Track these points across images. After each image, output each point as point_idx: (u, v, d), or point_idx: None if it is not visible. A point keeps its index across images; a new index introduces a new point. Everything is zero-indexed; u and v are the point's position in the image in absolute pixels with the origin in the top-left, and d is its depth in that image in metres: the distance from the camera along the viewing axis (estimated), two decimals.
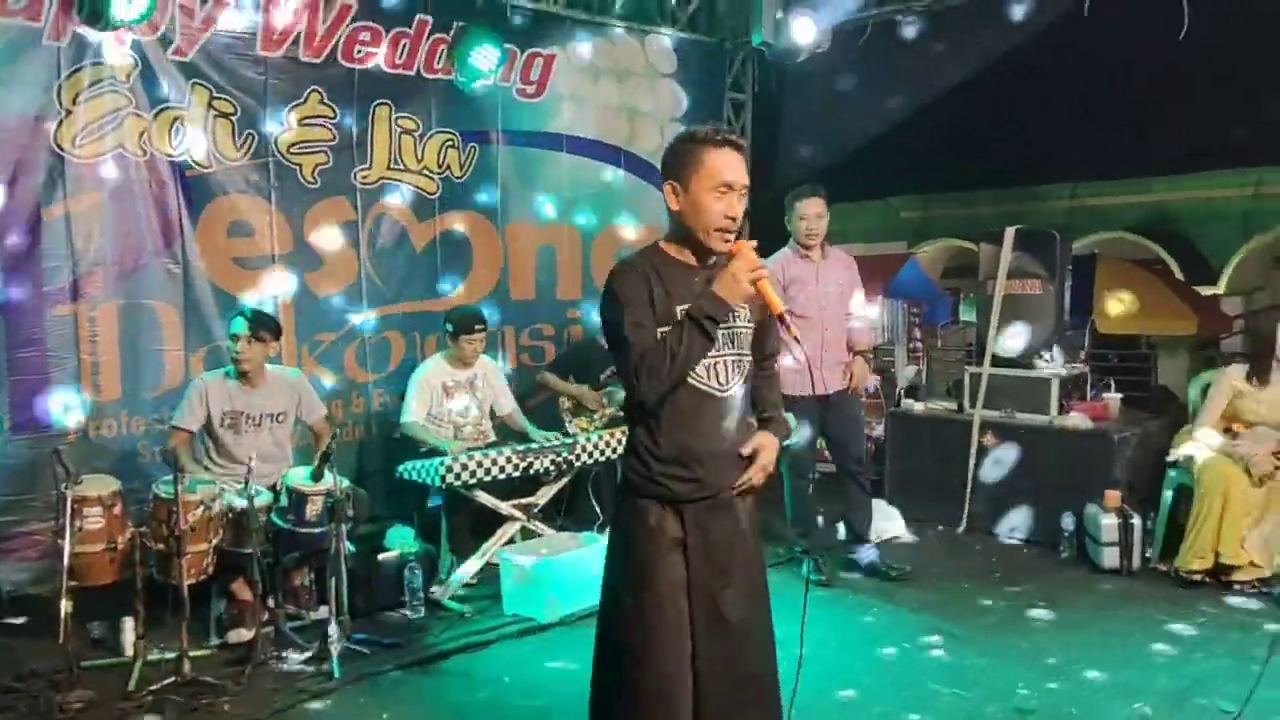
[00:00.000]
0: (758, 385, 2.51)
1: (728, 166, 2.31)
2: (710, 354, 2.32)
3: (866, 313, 5.03)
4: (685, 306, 2.30)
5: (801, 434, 4.72)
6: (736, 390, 2.41)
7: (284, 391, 4.47)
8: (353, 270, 5.44)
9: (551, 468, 4.72)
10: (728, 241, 2.33)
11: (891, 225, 12.15)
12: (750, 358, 2.45)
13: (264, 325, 4.33)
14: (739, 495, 2.41)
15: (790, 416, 4.59)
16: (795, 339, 2.29)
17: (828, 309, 4.73)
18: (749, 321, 2.44)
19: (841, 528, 5.51)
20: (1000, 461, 5.60)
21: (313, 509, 3.94)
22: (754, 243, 2.32)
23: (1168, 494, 5.07)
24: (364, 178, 5.44)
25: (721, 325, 2.30)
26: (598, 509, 5.33)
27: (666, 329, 2.29)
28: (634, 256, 2.40)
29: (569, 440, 4.86)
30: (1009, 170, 10.62)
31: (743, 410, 2.44)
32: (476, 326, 4.97)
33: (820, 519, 5.28)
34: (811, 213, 4.68)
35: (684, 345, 2.24)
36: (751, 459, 2.41)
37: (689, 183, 2.31)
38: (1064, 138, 10.00)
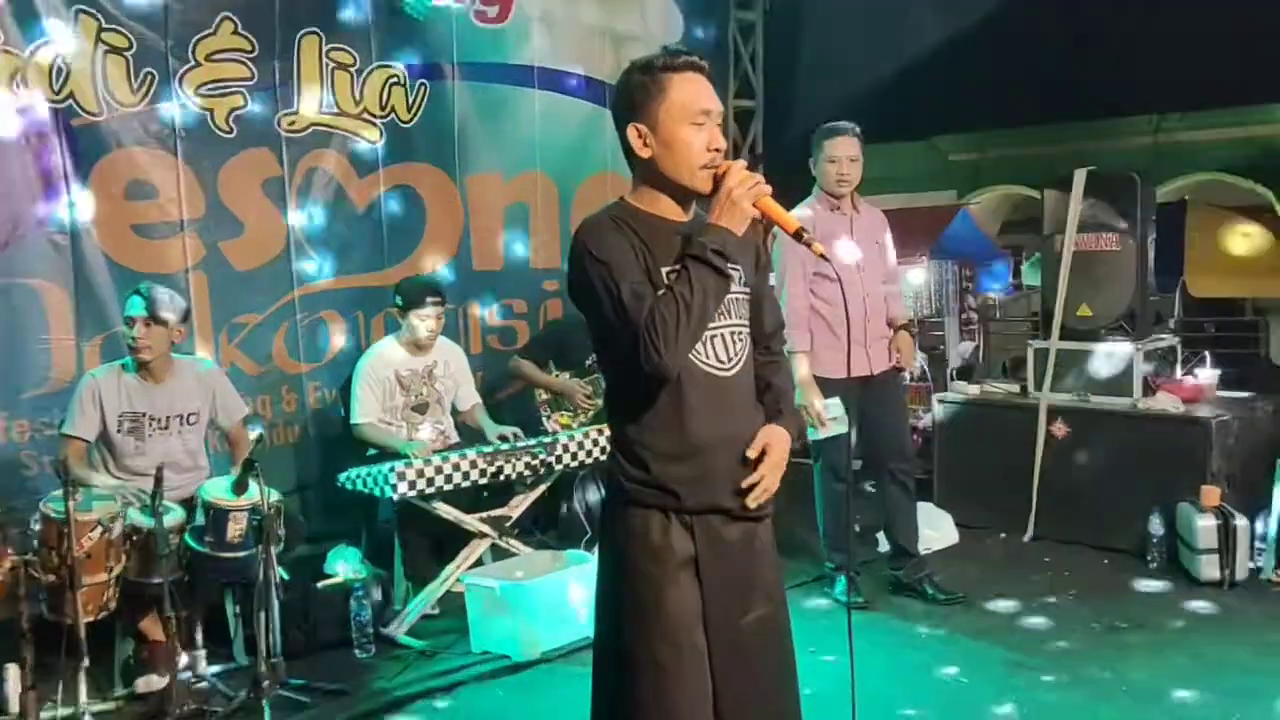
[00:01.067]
0: (761, 374, 2.50)
1: (700, 92, 2.31)
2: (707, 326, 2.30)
3: (898, 279, 5.04)
4: (672, 268, 2.28)
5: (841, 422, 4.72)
6: (740, 369, 2.40)
7: (195, 387, 4.44)
8: (280, 237, 5.42)
9: (527, 472, 4.72)
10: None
11: (938, 170, 12.13)
12: (749, 330, 2.44)
13: (166, 305, 4.29)
14: (752, 509, 2.37)
15: (836, 401, 4.61)
16: (822, 256, 2.28)
17: (867, 271, 4.73)
18: (745, 286, 2.43)
19: (882, 538, 5.52)
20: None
21: (235, 528, 3.93)
22: (742, 161, 2.31)
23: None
24: (290, 124, 5.41)
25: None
26: (584, 521, 5.33)
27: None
28: (602, 213, 2.39)
29: (546, 439, 4.85)
30: (1081, 102, 10.59)
31: (749, 394, 2.44)
32: (429, 299, 4.96)
33: (857, 528, 5.28)
34: (844, 154, 4.66)
35: (695, 291, 2.20)
36: (758, 460, 2.37)
37: (657, 120, 2.30)
38: (1147, 61, 9.95)
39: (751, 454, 2.35)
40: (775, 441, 2.38)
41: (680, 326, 2.20)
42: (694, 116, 2.29)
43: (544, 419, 5.64)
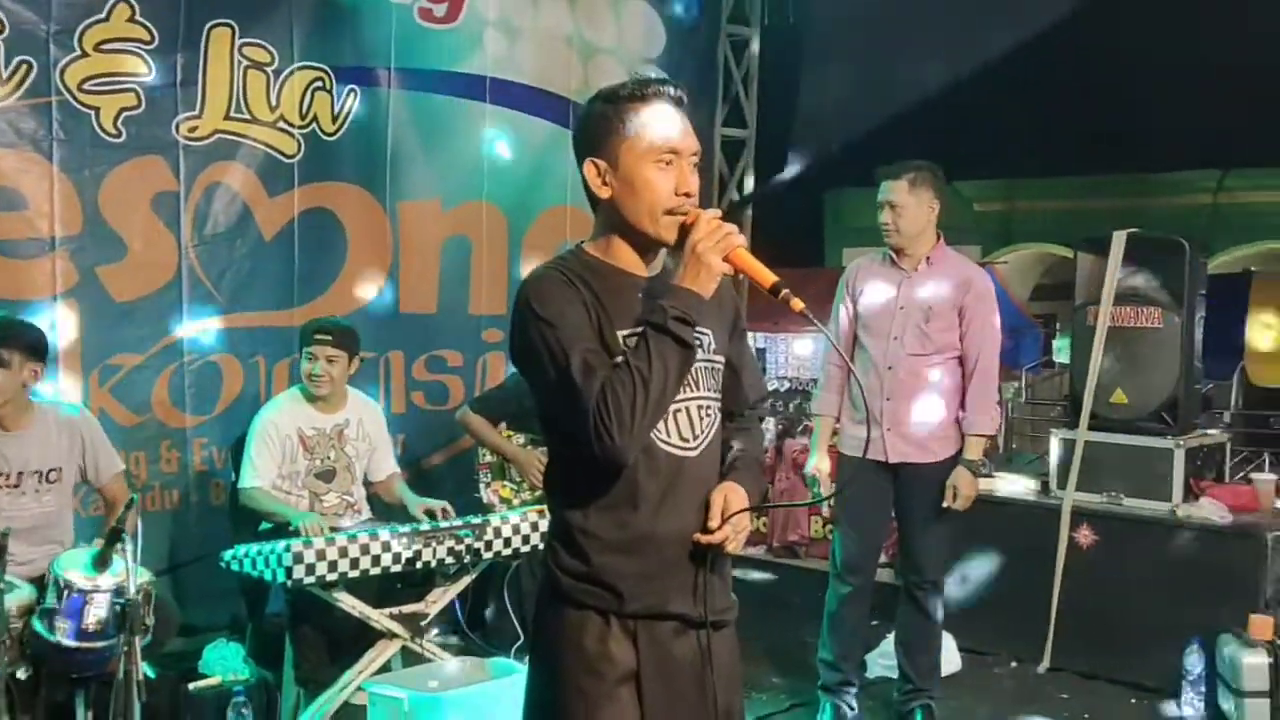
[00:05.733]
0: (726, 438, 2.59)
1: (669, 127, 2.40)
2: None
3: (976, 365, 4.80)
4: (631, 332, 2.36)
5: (855, 512, 4.85)
6: (706, 449, 2.48)
7: (58, 438, 4.45)
8: (170, 264, 5.46)
9: (450, 560, 4.72)
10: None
11: (962, 221, 12.31)
12: (718, 404, 2.53)
13: (14, 338, 4.31)
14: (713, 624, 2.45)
15: (818, 477, 4.77)
16: (805, 314, 2.34)
17: (902, 341, 4.77)
18: (715, 351, 2.51)
19: (871, 661, 5.56)
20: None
21: (95, 613, 3.90)
22: (716, 211, 2.40)
23: None
24: (191, 131, 5.47)
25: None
26: (516, 623, 5.34)
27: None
28: (551, 264, 2.47)
29: (475, 520, 4.87)
30: (1129, 151, 10.82)
31: (715, 478, 2.52)
32: (317, 335, 4.99)
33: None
34: (884, 199, 4.80)
35: (655, 366, 2.27)
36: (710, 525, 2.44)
37: (618, 156, 2.40)
38: (1211, 108, 10.18)
39: (713, 524, 2.42)
40: (734, 498, 2.44)
41: (637, 408, 2.26)
42: (660, 154, 2.38)
43: (481, 485, 5.65)
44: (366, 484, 5.28)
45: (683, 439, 2.43)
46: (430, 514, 4.97)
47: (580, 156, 2.46)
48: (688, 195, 2.39)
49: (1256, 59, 9.92)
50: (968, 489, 4.76)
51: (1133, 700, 5.43)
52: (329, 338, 5.02)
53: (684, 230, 2.37)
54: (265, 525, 4.95)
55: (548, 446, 2.57)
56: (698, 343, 2.42)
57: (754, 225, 8.50)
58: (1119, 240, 5.91)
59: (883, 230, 4.81)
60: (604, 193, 2.42)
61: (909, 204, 4.74)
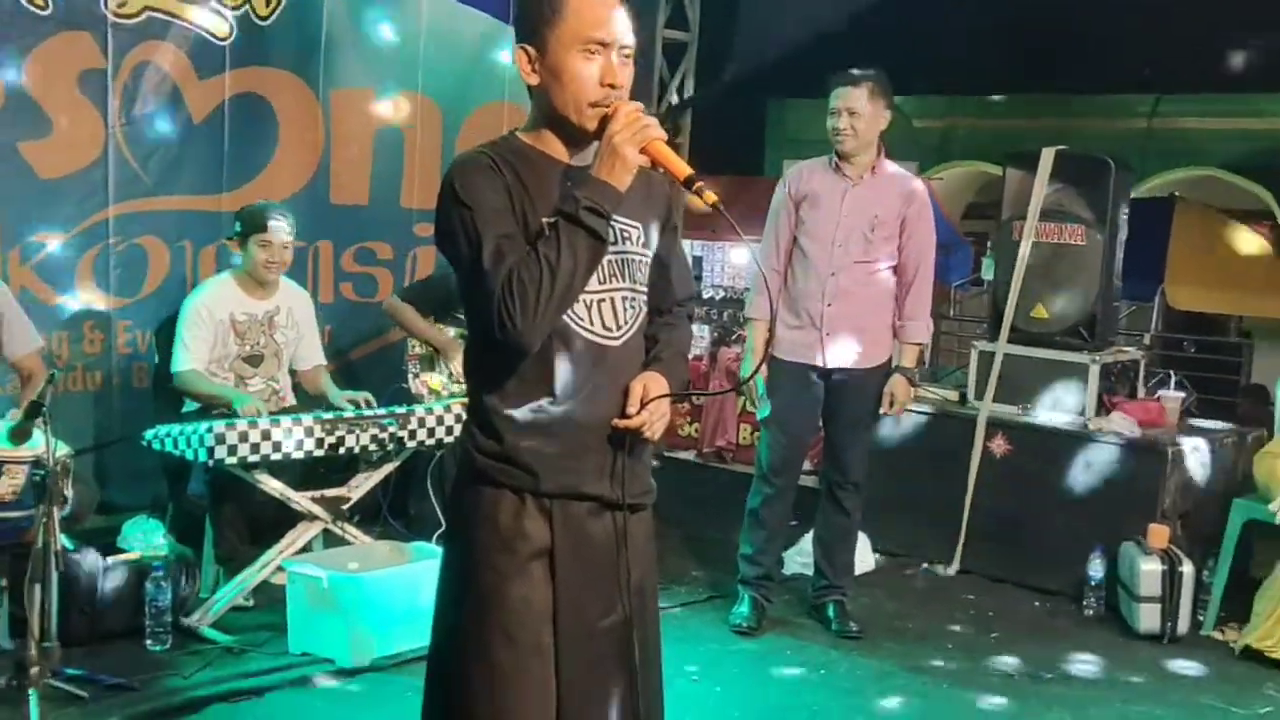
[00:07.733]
0: (652, 332, 2.61)
1: (601, 17, 2.38)
2: (592, 288, 2.41)
3: (914, 276, 4.94)
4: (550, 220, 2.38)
5: (784, 416, 4.93)
6: (631, 339, 2.51)
7: None
8: (96, 143, 5.40)
9: (373, 448, 4.78)
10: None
11: (900, 137, 12.31)
12: (645, 297, 2.56)
13: None
14: (630, 506, 2.49)
15: (758, 383, 4.89)
16: (718, 207, 2.33)
17: (846, 248, 4.84)
18: (644, 245, 2.54)
19: (789, 559, 5.70)
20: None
21: (10, 483, 3.91)
22: (638, 104, 2.39)
23: (1233, 533, 5.32)
24: (120, 7, 5.38)
25: (610, 245, 2.38)
26: (439, 511, 5.41)
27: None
28: (481, 149, 2.46)
29: (399, 410, 4.91)
30: (1069, 71, 10.89)
31: (638, 368, 2.54)
32: (273, 222, 4.98)
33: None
34: (841, 105, 4.79)
35: (564, 255, 2.28)
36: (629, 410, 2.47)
37: (547, 43, 2.39)
38: (1147, 33, 10.25)
39: (631, 410, 2.44)
40: (651, 390, 2.47)
41: (542, 295, 2.28)
42: (586, 43, 2.36)
43: (409, 376, 5.69)
44: (291, 372, 5.30)
45: (605, 328, 2.45)
46: (353, 403, 5.01)
47: (515, 40, 2.46)
48: (613, 87, 2.38)
49: None
50: (904, 395, 4.95)
51: (1036, 603, 5.61)
52: (285, 220, 5.01)
53: (604, 121, 2.37)
54: (189, 406, 4.97)
55: (467, 331, 2.60)
56: (625, 235, 2.45)
57: (694, 132, 8.47)
58: (1047, 157, 6.00)
59: (835, 137, 4.82)
60: (533, 80, 2.42)
61: (867, 111, 4.78)
